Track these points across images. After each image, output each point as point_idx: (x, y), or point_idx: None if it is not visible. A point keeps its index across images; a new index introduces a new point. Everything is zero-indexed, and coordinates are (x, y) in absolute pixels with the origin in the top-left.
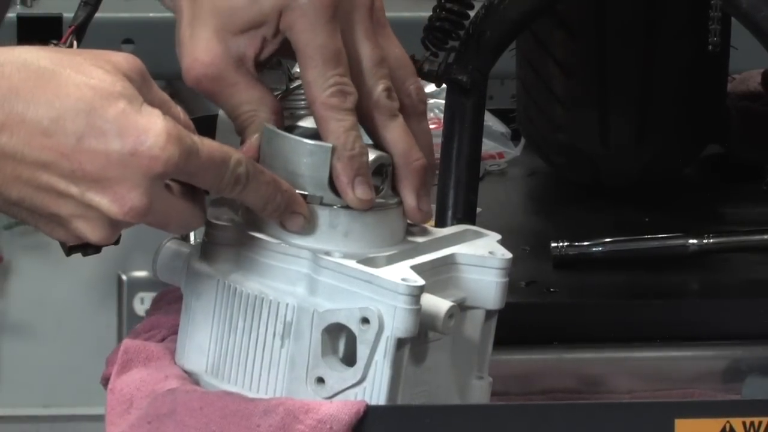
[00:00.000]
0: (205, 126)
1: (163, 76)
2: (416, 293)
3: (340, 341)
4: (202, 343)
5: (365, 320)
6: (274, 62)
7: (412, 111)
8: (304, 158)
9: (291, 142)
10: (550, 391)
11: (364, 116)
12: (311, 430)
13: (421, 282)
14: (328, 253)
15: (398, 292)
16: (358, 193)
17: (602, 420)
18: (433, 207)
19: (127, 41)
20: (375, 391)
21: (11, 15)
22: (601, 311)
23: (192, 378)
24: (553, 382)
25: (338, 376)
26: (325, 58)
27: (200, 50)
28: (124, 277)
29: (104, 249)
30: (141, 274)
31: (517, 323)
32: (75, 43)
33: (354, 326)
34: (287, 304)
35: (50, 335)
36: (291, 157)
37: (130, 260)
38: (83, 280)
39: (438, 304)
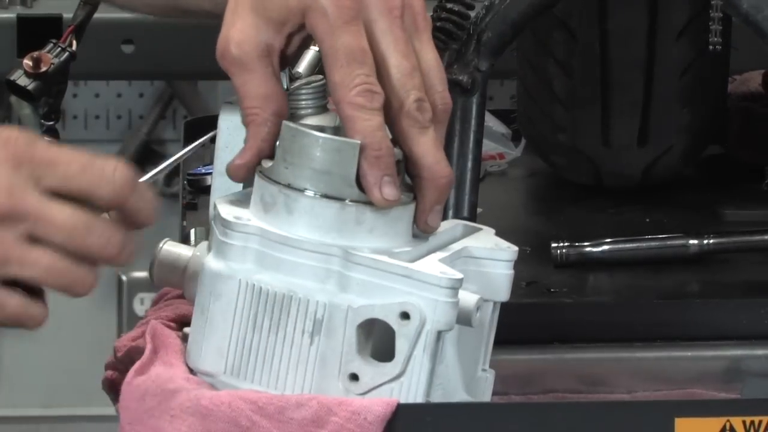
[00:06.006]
0: (206, 126)
1: (163, 76)
2: (457, 286)
3: (370, 337)
4: (222, 343)
5: (405, 315)
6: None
7: (434, 120)
8: (331, 155)
9: (318, 139)
10: (550, 391)
11: (393, 123)
12: (345, 421)
13: (459, 275)
14: (354, 250)
15: (440, 286)
16: (385, 192)
17: (602, 419)
18: None
19: (127, 41)
20: (413, 385)
21: (10, 15)
22: (601, 311)
23: (206, 381)
24: (554, 382)
25: (375, 371)
26: (349, 58)
27: (235, 29)
28: (124, 278)
29: None
30: (141, 274)
31: (517, 323)
32: (74, 42)
33: (392, 321)
34: (317, 301)
35: (50, 335)
36: (317, 154)
37: None
38: None
39: (466, 297)
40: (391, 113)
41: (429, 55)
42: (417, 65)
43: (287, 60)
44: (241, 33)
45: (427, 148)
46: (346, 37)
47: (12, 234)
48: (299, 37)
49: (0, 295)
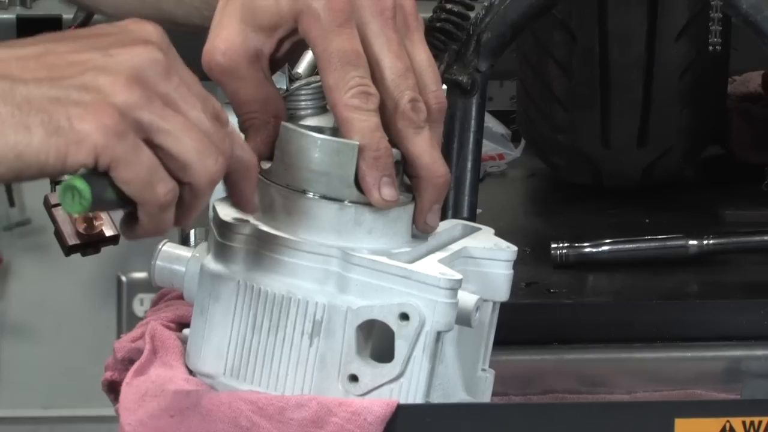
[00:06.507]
0: None
1: None
2: (456, 287)
3: (369, 338)
4: (221, 345)
5: (404, 316)
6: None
7: (429, 119)
8: (330, 157)
9: (317, 140)
10: (550, 392)
11: (389, 124)
12: (345, 422)
13: (458, 276)
14: (353, 251)
15: (439, 287)
16: (384, 193)
17: (602, 419)
18: None
19: None
20: (413, 386)
21: (10, 16)
22: (601, 312)
23: (205, 382)
24: (554, 383)
25: (374, 372)
26: (343, 61)
27: (220, 38)
28: (123, 279)
29: (104, 250)
30: (140, 275)
31: (517, 323)
32: None
33: (392, 322)
34: (317, 303)
35: (50, 336)
36: (315, 155)
37: (129, 261)
38: (83, 280)
39: (465, 298)
40: (386, 114)
41: (422, 55)
42: (410, 66)
43: (278, 64)
44: (226, 42)
45: (424, 147)
46: (339, 40)
47: (160, 87)
48: (290, 41)
49: (156, 169)
